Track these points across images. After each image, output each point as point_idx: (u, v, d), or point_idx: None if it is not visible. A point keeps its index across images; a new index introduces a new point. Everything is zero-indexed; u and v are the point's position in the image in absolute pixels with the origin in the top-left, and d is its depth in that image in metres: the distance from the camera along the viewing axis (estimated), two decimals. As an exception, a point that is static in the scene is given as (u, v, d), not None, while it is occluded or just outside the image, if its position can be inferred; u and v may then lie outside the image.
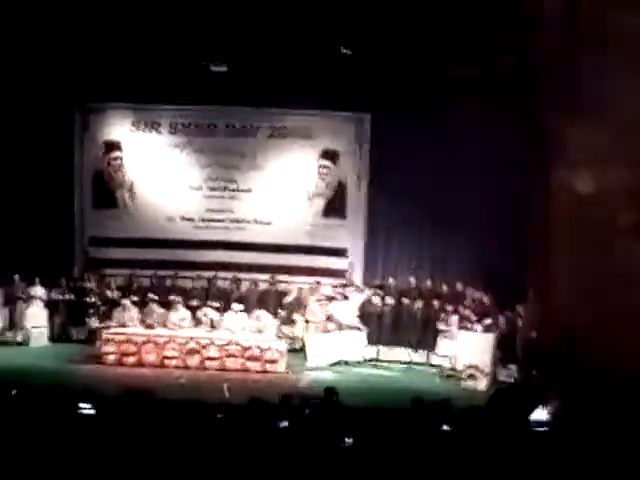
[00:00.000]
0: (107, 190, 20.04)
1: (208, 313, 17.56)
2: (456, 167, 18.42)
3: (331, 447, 8.81)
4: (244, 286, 19.04)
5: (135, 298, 18.01)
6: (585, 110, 14.82)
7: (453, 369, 16.83)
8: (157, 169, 20.07)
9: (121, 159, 20.08)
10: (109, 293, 18.55)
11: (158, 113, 20.04)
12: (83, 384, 11.79)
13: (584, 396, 11.81)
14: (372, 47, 17.48)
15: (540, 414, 10.96)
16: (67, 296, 18.49)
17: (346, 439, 9.00)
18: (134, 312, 17.40)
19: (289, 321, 18.34)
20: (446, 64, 17.43)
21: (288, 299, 18.64)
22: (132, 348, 16.57)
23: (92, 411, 9.64)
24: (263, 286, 19.12)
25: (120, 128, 20.04)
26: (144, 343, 16.60)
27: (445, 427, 9.52)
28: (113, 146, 20.06)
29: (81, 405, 9.76)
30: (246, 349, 16.64)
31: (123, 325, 17.13)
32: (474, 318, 16.97)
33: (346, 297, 18.33)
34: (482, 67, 17.24)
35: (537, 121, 16.71)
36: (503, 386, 15.02)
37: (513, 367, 16.41)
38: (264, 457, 8.40)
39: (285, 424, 9.40)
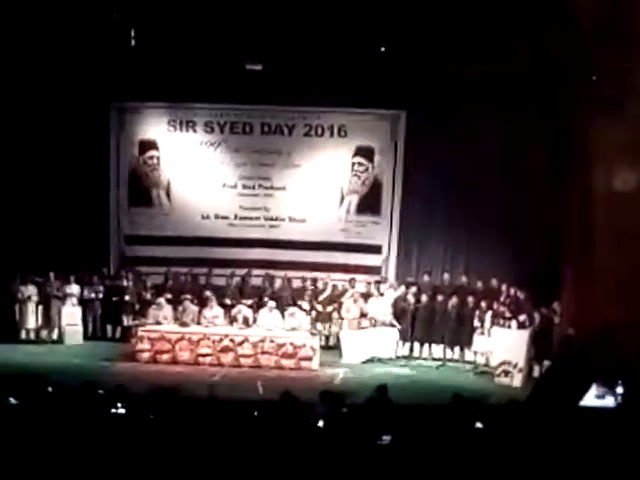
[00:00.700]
0: (143, 189, 20.15)
1: (242, 310, 17.58)
2: (491, 165, 18.34)
3: (368, 444, 8.81)
4: (278, 283, 19.04)
5: (170, 296, 18.06)
6: (617, 109, 14.69)
7: (487, 365, 16.80)
8: (192, 168, 20.13)
9: (157, 158, 20.16)
10: (144, 291, 18.63)
11: (194, 112, 20.09)
12: (117, 382, 11.81)
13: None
14: (407, 44, 17.41)
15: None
16: (102, 294, 18.61)
17: (383, 437, 9.01)
18: (168, 310, 17.47)
19: (323, 318, 18.35)
20: (481, 62, 17.32)
21: (322, 296, 18.61)
22: (166, 346, 16.70)
23: (124, 410, 9.75)
24: (297, 283, 19.12)
25: (156, 127, 20.13)
26: (178, 341, 16.72)
27: (479, 424, 9.53)
28: (149, 145, 20.15)
29: (115, 404, 9.88)
30: (280, 346, 16.69)
31: (158, 323, 17.21)
32: (509, 314, 16.86)
33: (380, 294, 18.31)
34: (516, 66, 17.12)
35: (573, 120, 16.58)
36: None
37: (548, 363, 16.30)
38: (301, 454, 8.41)
39: (321, 423, 9.43)
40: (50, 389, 10.32)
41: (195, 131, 20.11)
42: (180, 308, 17.59)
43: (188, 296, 17.95)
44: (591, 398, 11.53)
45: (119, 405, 9.92)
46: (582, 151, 16.34)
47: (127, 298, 18.48)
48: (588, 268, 16.32)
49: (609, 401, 11.58)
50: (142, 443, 8.56)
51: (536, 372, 16.38)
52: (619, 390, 11.61)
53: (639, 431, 9.03)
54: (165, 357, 16.64)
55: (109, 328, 18.73)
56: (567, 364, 13.51)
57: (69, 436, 8.53)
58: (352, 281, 18.91)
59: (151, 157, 20.15)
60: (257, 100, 19.60)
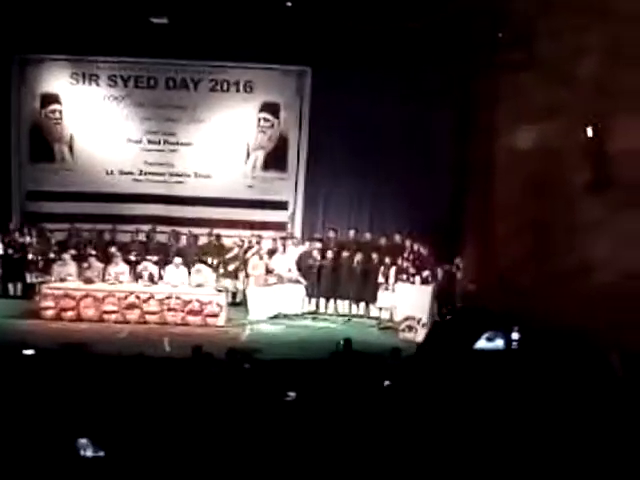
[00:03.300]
0: (45, 143, 19.75)
1: (148, 267, 17.50)
2: (397, 120, 18.51)
3: (274, 401, 8.91)
4: (183, 240, 18.98)
5: (74, 252, 17.85)
6: (536, 66, 14.93)
7: (391, 321, 17.05)
8: (96, 122, 19.79)
9: (60, 112, 19.78)
10: (47, 248, 18.26)
11: (97, 65, 19.72)
12: (21, 339, 11.73)
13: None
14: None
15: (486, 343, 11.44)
16: (3, 251, 18.16)
17: (289, 393, 9.12)
18: (73, 267, 17.29)
19: (229, 274, 18.37)
20: (388, 16, 17.37)
21: (229, 255, 18.56)
22: (71, 303, 16.50)
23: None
24: (203, 240, 19.09)
25: (58, 80, 19.71)
26: (83, 298, 16.53)
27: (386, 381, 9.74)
28: (51, 99, 19.74)
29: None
30: (186, 303, 16.68)
31: (62, 280, 17.03)
32: (412, 270, 17.12)
33: (285, 250, 18.38)
34: (424, 19, 17.21)
35: (482, 75, 16.79)
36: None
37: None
38: (207, 411, 8.47)
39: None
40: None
41: (98, 85, 19.77)
42: (85, 265, 17.42)
43: (93, 252, 17.80)
44: (482, 341, 11.97)
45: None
46: (492, 111, 16.61)
47: (30, 255, 18.07)
48: (488, 224, 16.70)
49: (499, 343, 11.99)
50: (45, 401, 8.53)
51: (439, 327, 16.72)
52: (515, 335, 12.00)
53: (532, 372, 9.45)
54: (70, 314, 16.44)
55: (11, 286, 18.31)
56: (460, 313, 13.92)
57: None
58: (258, 237, 18.92)
59: (53, 111, 19.77)
60: (162, 54, 19.40)
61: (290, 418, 8.46)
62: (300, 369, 10.89)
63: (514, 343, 11.59)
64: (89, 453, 7.43)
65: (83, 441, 7.43)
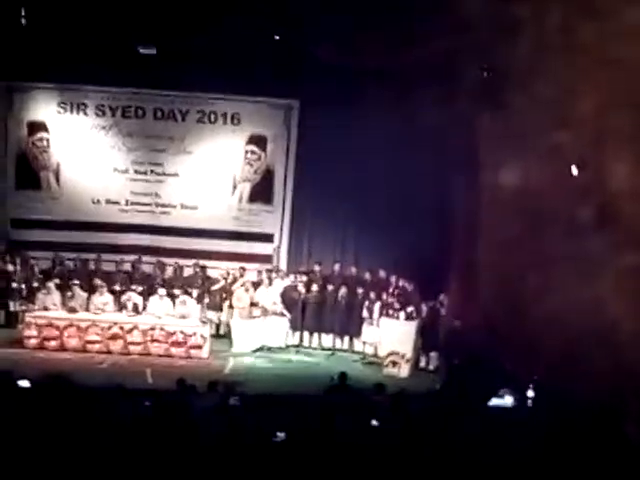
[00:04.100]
0: (31, 171, 19.74)
1: (132, 297, 17.45)
2: (383, 157, 18.53)
3: (263, 441, 8.83)
4: (169, 271, 18.99)
5: (58, 281, 17.76)
6: (515, 104, 14.99)
7: (375, 356, 17.04)
8: (83, 151, 19.81)
9: (47, 140, 19.79)
10: (31, 276, 18.16)
11: (85, 94, 19.77)
12: (3, 368, 11.64)
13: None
14: (301, 34, 17.47)
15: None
16: (-14, 279, 18.10)
17: (278, 433, 9.04)
18: (57, 296, 17.21)
19: (214, 306, 18.32)
20: (376, 54, 17.45)
21: (215, 287, 18.51)
22: (54, 332, 16.45)
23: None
24: (188, 271, 19.08)
25: (46, 109, 19.74)
26: (66, 327, 16.48)
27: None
28: (38, 127, 19.77)
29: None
30: (170, 334, 16.64)
31: (45, 309, 16.95)
32: (397, 306, 17.16)
33: (270, 283, 18.37)
34: (412, 58, 17.28)
35: (466, 114, 16.84)
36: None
37: (434, 355, 16.68)
38: (190, 446, 8.41)
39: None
40: None
41: (86, 114, 19.80)
42: (69, 294, 17.34)
43: (77, 282, 17.70)
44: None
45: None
46: (476, 148, 16.65)
47: (13, 283, 17.97)
48: (474, 264, 16.70)
49: (508, 401, 12.04)
50: (27, 432, 8.47)
51: (422, 363, 16.78)
52: (530, 394, 12.06)
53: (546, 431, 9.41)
54: (53, 344, 16.38)
55: (-7, 314, 18.23)
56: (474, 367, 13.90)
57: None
58: (242, 270, 18.91)
59: (40, 139, 19.78)
60: (150, 85, 19.46)
61: (280, 460, 8.39)
62: (290, 405, 10.84)
63: (528, 401, 11.65)
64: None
65: None
